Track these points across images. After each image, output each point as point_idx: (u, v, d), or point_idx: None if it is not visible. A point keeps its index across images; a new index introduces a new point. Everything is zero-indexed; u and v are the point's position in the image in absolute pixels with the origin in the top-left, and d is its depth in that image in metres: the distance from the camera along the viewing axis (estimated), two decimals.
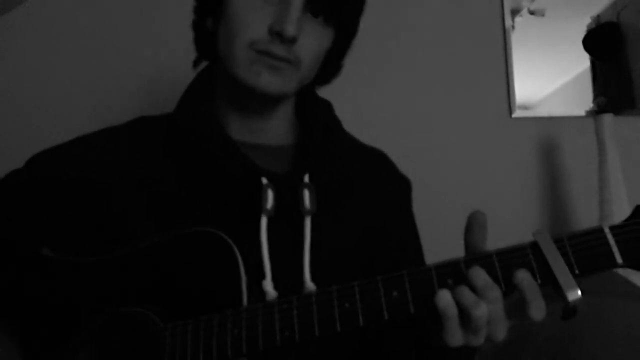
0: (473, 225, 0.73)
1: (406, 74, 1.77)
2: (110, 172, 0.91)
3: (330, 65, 1.00)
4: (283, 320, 0.72)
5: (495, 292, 0.67)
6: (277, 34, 0.85)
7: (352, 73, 1.72)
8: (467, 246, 0.73)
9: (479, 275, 0.68)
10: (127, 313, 0.79)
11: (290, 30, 0.84)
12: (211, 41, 0.94)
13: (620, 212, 1.58)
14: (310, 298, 0.72)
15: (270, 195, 0.86)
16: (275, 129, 0.98)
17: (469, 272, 0.68)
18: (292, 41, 0.85)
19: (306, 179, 0.90)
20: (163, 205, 0.88)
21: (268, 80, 0.86)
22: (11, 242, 0.90)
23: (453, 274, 0.70)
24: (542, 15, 1.81)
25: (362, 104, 1.71)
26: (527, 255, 0.69)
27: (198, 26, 0.98)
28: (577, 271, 0.66)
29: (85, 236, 0.88)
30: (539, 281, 0.67)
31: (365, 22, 1.74)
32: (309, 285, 0.83)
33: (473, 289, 0.67)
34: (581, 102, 1.83)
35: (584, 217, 1.75)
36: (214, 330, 0.74)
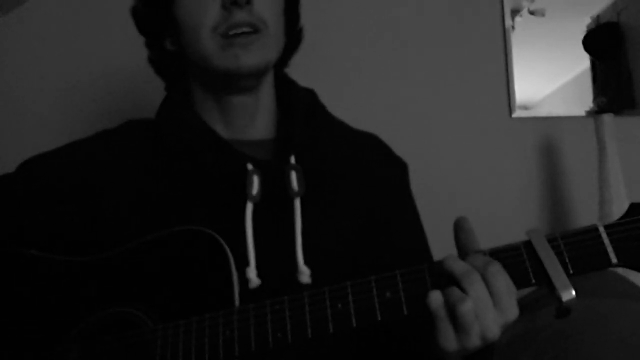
0: (458, 232, 0.73)
1: (406, 73, 1.76)
2: (101, 176, 0.91)
3: (290, 26, 1.00)
4: (275, 322, 0.72)
5: (475, 275, 0.66)
6: (232, 4, 0.86)
7: (352, 73, 1.73)
8: (459, 250, 0.73)
9: (456, 263, 0.68)
10: (117, 313, 0.79)
11: None
12: (177, 59, 0.95)
13: (620, 212, 1.56)
14: (303, 299, 0.72)
15: (255, 180, 0.86)
16: (259, 124, 0.97)
17: (445, 263, 0.68)
18: (248, 3, 0.86)
19: (292, 160, 0.90)
20: (152, 204, 0.88)
21: (247, 58, 0.87)
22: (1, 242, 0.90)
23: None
24: (542, 15, 1.81)
25: (361, 104, 1.70)
26: (521, 254, 0.68)
27: (157, 55, 1.01)
28: (571, 271, 0.66)
29: (76, 239, 0.88)
30: (533, 281, 0.67)
31: (365, 22, 1.75)
32: (303, 269, 0.83)
33: (454, 279, 0.67)
34: (581, 102, 1.82)
35: (584, 217, 1.75)
36: (206, 331, 0.73)
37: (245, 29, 0.87)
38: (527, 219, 1.76)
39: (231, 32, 0.86)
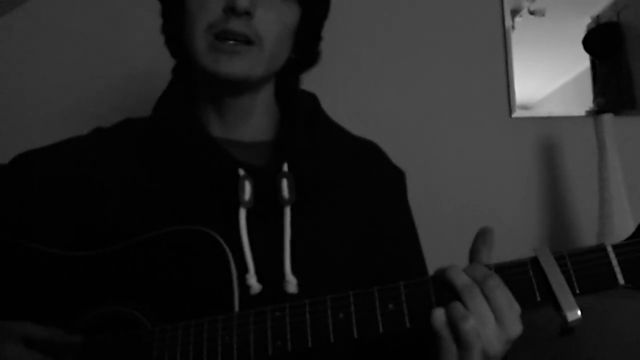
0: (478, 239, 0.72)
1: (406, 73, 1.76)
2: (95, 174, 0.91)
3: (303, 46, 0.98)
4: (275, 329, 0.70)
5: (476, 290, 0.66)
6: (230, 10, 0.84)
7: (352, 73, 1.73)
8: (471, 260, 0.72)
9: (458, 276, 0.67)
10: (114, 312, 0.79)
11: (241, 2, 0.83)
12: (180, 39, 0.93)
13: (620, 212, 1.58)
14: (304, 307, 0.71)
15: (247, 186, 0.85)
16: (256, 125, 0.97)
17: (447, 275, 0.68)
18: (247, 14, 0.85)
19: (285, 168, 0.89)
20: (145, 204, 0.87)
21: (228, 65, 0.86)
22: None
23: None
24: (542, 15, 1.81)
25: (361, 104, 1.70)
26: (527, 271, 0.68)
27: (167, 28, 0.98)
28: (577, 290, 0.66)
29: (68, 236, 0.87)
30: (539, 298, 0.67)
31: (365, 22, 1.75)
32: (290, 278, 0.83)
33: (454, 291, 0.67)
34: (581, 102, 1.82)
35: (584, 217, 1.75)
36: (204, 335, 0.72)
37: (238, 38, 0.85)
38: (527, 219, 1.76)
39: (222, 36, 0.85)
